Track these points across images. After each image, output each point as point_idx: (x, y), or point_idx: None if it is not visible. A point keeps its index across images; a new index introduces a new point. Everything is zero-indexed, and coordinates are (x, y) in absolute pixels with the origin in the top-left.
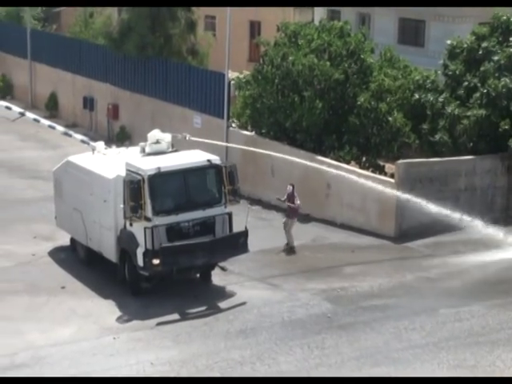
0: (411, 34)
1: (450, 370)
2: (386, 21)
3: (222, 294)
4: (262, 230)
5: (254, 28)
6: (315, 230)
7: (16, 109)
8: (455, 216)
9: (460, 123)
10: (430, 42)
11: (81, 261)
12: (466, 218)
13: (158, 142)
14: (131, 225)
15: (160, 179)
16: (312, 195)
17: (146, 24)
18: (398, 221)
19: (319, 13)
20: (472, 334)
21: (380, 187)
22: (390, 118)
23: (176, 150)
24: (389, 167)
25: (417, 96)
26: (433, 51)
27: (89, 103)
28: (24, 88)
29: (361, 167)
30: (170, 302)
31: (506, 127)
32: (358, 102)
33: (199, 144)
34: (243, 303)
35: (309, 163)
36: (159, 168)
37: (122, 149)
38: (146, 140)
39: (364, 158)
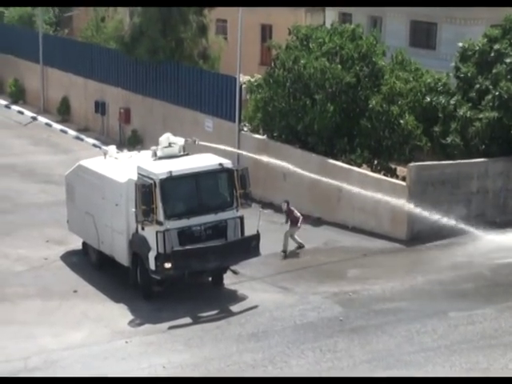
0: (423, 37)
1: (463, 373)
2: (397, 23)
3: (233, 297)
4: (274, 233)
5: (266, 31)
6: (327, 234)
7: (28, 113)
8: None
9: (472, 126)
10: (442, 44)
11: (93, 265)
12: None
13: (171, 145)
14: (143, 229)
15: (172, 183)
16: (324, 199)
17: (157, 28)
18: (409, 224)
19: (330, 16)
20: (484, 337)
21: (390, 199)
22: (401, 121)
23: (187, 154)
24: (400, 170)
25: (428, 99)
26: (444, 54)
27: (100, 107)
28: (36, 92)
29: (372, 170)
30: (181, 305)
31: None
32: (370, 105)
33: (211, 147)
34: (255, 307)
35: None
36: (171, 172)
37: (134, 153)
38: (157, 144)
39: (375, 161)
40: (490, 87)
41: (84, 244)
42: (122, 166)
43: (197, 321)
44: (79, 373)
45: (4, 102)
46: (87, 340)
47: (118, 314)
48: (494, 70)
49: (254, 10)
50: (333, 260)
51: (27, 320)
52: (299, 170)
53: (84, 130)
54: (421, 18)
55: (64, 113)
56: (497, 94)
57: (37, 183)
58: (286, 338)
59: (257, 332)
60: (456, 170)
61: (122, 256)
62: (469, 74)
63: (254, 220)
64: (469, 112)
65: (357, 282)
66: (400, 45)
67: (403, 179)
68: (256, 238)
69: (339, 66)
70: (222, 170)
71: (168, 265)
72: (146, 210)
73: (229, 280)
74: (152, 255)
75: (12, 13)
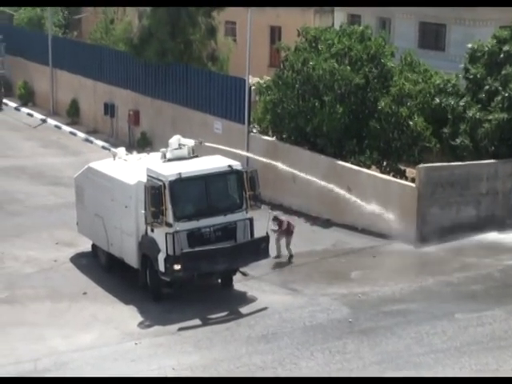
0: (432, 38)
1: (472, 375)
2: (406, 25)
3: (243, 299)
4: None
5: (275, 33)
6: (336, 235)
7: (38, 115)
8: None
9: (481, 127)
10: (451, 45)
11: (102, 266)
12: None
13: (181, 146)
14: (152, 230)
15: (181, 185)
16: (333, 200)
17: (166, 30)
18: (418, 225)
19: (339, 17)
20: (494, 339)
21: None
22: (410, 123)
23: (197, 156)
24: (410, 171)
25: (437, 100)
26: (453, 55)
27: (110, 109)
28: (45, 95)
29: (381, 172)
30: (191, 307)
31: None
32: (379, 107)
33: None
34: (264, 308)
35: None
36: (180, 174)
37: (143, 155)
38: (166, 146)
39: (385, 163)
40: (500, 88)
41: (93, 246)
42: (131, 168)
43: (206, 322)
44: (89, 374)
45: (14, 105)
46: (97, 342)
47: (128, 315)
48: (504, 72)
49: (262, 12)
50: (342, 261)
51: (37, 322)
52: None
53: (93, 132)
54: (430, 20)
55: (73, 115)
56: (506, 95)
57: (46, 185)
58: (296, 340)
59: (266, 334)
60: (465, 171)
61: (132, 258)
62: (478, 76)
63: (264, 222)
64: (478, 113)
65: (366, 283)
66: (409, 46)
67: (412, 181)
68: (265, 239)
69: (348, 68)
70: (232, 171)
71: (177, 266)
72: (155, 211)
73: (238, 282)
74: (161, 257)
75: (22, 15)
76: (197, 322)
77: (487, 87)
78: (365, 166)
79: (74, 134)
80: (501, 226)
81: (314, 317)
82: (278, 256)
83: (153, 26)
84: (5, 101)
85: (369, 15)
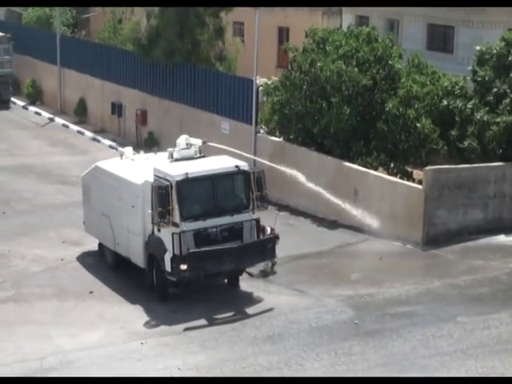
0: (440, 40)
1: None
2: (414, 27)
3: (249, 299)
4: (290, 235)
5: (283, 34)
6: (342, 236)
7: (45, 114)
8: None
9: (489, 129)
10: (459, 48)
11: (109, 266)
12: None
13: (188, 146)
14: (159, 230)
15: (188, 185)
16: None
17: (174, 30)
18: (425, 227)
19: (347, 19)
20: (501, 342)
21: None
22: (418, 125)
23: (204, 156)
24: (417, 173)
25: (445, 102)
26: (461, 57)
27: (117, 109)
28: (53, 94)
29: (389, 173)
30: (197, 307)
31: None
32: (386, 108)
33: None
34: (270, 309)
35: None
36: (187, 174)
37: (150, 154)
38: (174, 146)
39: (392, 165)
40: (508, 91)
41: (100, 245)
42: (138, 168)
43: (212, 323)
44: (95, 373)
45: (21, 103)
46: (103, 341)
47: (134, 315)
48: None
49: (270, 13)
50: (348, 263)
51: (43, 320)
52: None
53: (100, 131)
54: (438, 22)
55: (81, 114)
56: None
57: (53, 184)
58: (302, 341)
59: (272, 334)
60: (473, 173)
61: (138, 257)
62: (486, 78)
63: (271, 222)
64: (486, 116)
65: (372, 285)
66: (417, 48)
67: (419, 183)
68: (272, 240)
69: (356, 69)
70: (239, 172)
71: (184, 266)
72: (162, 211)
73: (244, 282)
74: (168, 257)
75: (30, 14)
76: (203, 322)
77: (495, 90)
78: (372, 168)
79: (82, 133)
80: (508, 228)
81: (320, 318)
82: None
83: (161, 26)
84: (13, 99)
85: (377, 17)
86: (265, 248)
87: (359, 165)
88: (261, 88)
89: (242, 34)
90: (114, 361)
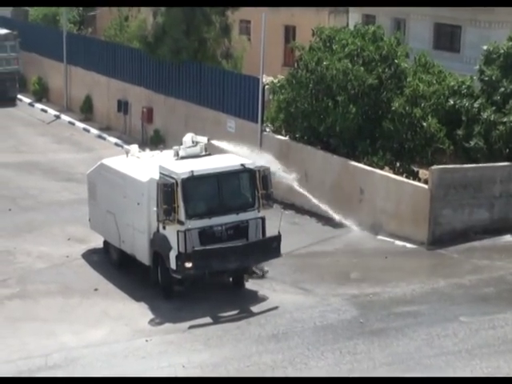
0: (447, 40)
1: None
2: (421, 26)
3: (254, 298)
4: (295, 234)
5: (289, 32)
6: (348, 235)
7: (51, 111)
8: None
9: (496, 129)
10: (466, 47)
11: (113, 263)
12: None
13: (195, 143)
14: (164, 228)
15: (193, 183)
16: (345, 200)
17: (180, 28)
18: (431, 226)
19: (354, 17)
20: (506, 342)
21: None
22: (424, 124)
23: (209, 154)
24: (422, 173)
25: (452, 101)
26: (468, 57)
27: (123, 106)
28: (59, 91)
29: (394, 173)
30: (202, 305)
31: None
32: (392, 107)
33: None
34: (275, 308)
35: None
36: (192, 171)
37: (156, 152)
38: (179, 144)
39: (398, 164)
40: None
41: (105, 242)
42: (143, 165)
43: (217, 321)
44: (99, 371)
45: (28, 100)
46: (107, 338)
47: (139, 312)
48: None
49: (277, 11)
50: (353, 262)
51: (48, 317)
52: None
53: (106, 128)
54: (445, 21)
55: (87, 111)
56: None
57: (59, 181)
58: (306, 340)
59: (277, 333)
60: (479, 173)
61: (143, 255)
62: (493, 78)
63: (276, 221)
64: (493, 115)
65: (377, 284)
66: (424, 47)
67: (425, 182)
68: (277, 238)
69: (362, 68)
70: (244, 170)
71: (189, 264)
72: (167, 209)
73: (249, 281)
74: (173, 254)
75: (36, 11)
76: (207, 320)
77: (502, 89)
78: (377, 167)
79: (87, 131)
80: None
81: (325, 317)
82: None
83: (167, 24)
84: (19, 96)
85: (383, 16)
86: (270, 246)
87: (365, 164)
88: (267, 86)
89: (248, 33)
90: (118, 358)
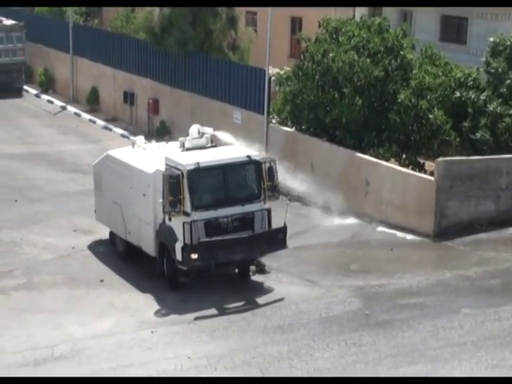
0: (453, 32)
1: (489, 370)
2: (427, 18)
3: (259, 289)
4: (301, 226)
5: (296, 24)
6: (353, 227)
7: (58, 103)
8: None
9: (502, 121)
10: (473, 39)
11: (119, 254)
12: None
13: (201, 135)
14: (170, 219)
15: (199, 174)
16: (351, 192)
17: (187, 19)
18: (437, 218)
19: (360, 9)
20: (511, 333)
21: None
22: (430, 116)
23: (215, 146)
24: (429, 165)
25: (458, 94)
26: (475, 49)
27: (129, 98)
28: (65, 82)
29: (400, 165)
30: (207, 296)
31: None
32: (399, 99)
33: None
34: (281, 299)
35: None
36: (198, 163)
37: (162, 143)
38: (185, 135)
39: (404, 156)
40: None
41: (111, 234)
42: (149, 157)
43: (222, 312)
44: (105, 361)
45: (34, 91)
46: (113, 329)
47: (144, 303)
48: None
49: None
50: (359, 253)
51: (54, 308)
52: None
53: (112, 120)
54: (451, 13)
55: (93, 103)
56: None
57: (65, 172)
58: (312, 331)
59: (282, 324)
60: (485, 165)
61: (149, 246)
62: (499, 70)
63: (282, 212)
64: (499, 107)
65: (383, 275)
66: (430, 39)
67: (431, 174)
68: (283, 230)
69: (368, 60)
70: (250, 161)
71: (194, 256)
72: (173, 200)
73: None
74: (179, 246)
75: None
76: (213, 311)
77: (508, 81)
78: (383, 159)
79: (94, 122)
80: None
81: (331, 308)
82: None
83: (173, 16)
84: (25, 87)
85: (390, 8)
86: (276, 238)
87: (371, 156)
88: (273, 78)
89: (254, 24)
90: (124, 349)
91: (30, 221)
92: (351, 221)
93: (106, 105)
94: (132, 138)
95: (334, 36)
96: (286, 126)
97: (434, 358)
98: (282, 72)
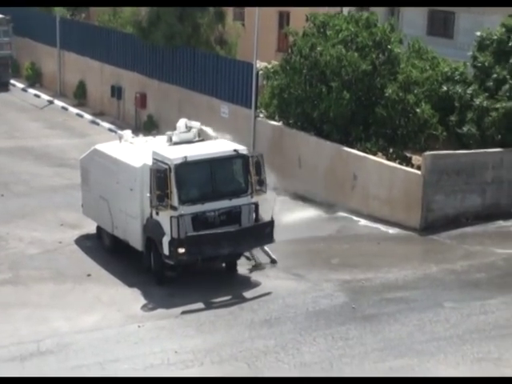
0: (440, 26)
1: (474, 363)
2: (415, 12)
3: (246, 283)
4: (288, 219)
5: (283, 18)
6: (340, 221)
7: (44, 97)
8: None
9: (488, 115)
10: (460, 33)
11: (106, 249)
12: None
13: (188, 129)
14: (157, 213)
15: (186, 168)
16: (338, 186)
17: (174, 13)
18: (423, 212)
19: None
20: (497, 327)
21: None
22: (417, 110)
23: (202, 140)
24: (415, 159)
25: (445, 88)
26: (462, 43)
27: (117, 92)
28: (53, 76)
29: (387, 159)
30: (194, 290)
31: None
32: (386, 94)
33: (228, 132)
34: (268, 293)
35: None
36: (186, 157)
37: (149, 138)
38: (173, 129)
39: (391, 150)
40: (508, 77)
41: (98, 228)
42: (137, 151)
43: (209, 306)
44: (91, 356)
45: (21, 85)
46: (100, 324)
47: (131, 298)
48: None
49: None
50: (345, 247)
51: (40, 303)
52: None
53: (100, 114)
54: (438, 8)
55: (80, 97)
56: None
57: (52, 167)
58: (299, 325)
59: (269, 318)
60: (471, 159)
61: (136, 241)
62: (486, 64)
63: (269, 206)
64: (485, 102)
65: (369, 269)
66: (417, 34)
67: (418, 168)
68: (270, 224)
69: (355, 54)
70: (237, 155)
71: (181, 250)
72: (160, 194)
73: (242, 266)
74: (166, 240)
75: None
76: (200, 305)
77: (495, 75)
78: (371, 153)
79: (81, 116)
80: (505, 214)
81: (317, 302)
82: (258, 264)
83: (161, 10)
84: (12, 81)
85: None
86: (263, 232)
87: (358, 150)
88: (261, 72)
89: (242, 18)
90: (110, 343)
91: (16, 215)
92: (338, 215)
93: (94, 99)
94: (119, 132)
95: (322, 30)
96: (274, 120)
97: (420, 352)
98: (269, 66)
